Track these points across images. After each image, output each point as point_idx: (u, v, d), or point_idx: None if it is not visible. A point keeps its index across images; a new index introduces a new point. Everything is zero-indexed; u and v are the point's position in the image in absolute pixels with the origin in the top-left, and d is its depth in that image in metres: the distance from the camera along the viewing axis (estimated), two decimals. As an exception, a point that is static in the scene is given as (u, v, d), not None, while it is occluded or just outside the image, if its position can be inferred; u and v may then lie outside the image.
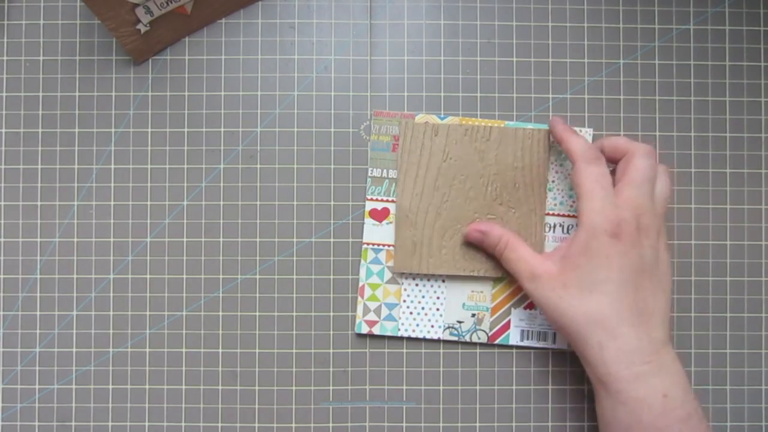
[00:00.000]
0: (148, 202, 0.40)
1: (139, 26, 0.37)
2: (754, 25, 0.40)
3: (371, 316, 0.39)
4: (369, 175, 0.39)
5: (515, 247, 0.36)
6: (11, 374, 0.39)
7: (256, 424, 0.39)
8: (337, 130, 0.40)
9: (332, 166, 0.40)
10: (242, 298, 0.39)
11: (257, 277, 0.39)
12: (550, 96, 0.40)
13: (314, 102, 0.40)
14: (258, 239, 0.39)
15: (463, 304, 0.39)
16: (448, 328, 0.39)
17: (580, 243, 0.33)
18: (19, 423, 0.39)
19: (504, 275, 0.38)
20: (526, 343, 0.39)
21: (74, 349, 0.39)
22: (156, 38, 0.39)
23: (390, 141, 0.39)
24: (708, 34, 0.40)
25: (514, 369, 0.39)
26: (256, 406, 0.39)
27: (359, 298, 0.39)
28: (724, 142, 0.40)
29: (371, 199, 0.39)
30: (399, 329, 0.39)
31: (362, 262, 0.39)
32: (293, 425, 0.39)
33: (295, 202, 0.40)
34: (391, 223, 0.39)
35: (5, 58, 0.40)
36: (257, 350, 0.39)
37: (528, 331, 0.39)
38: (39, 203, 0.40)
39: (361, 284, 0.39)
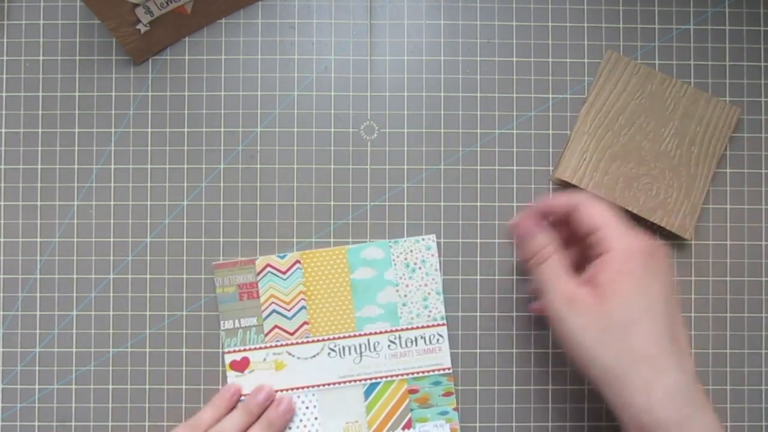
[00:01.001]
0: (148, 202, 0.40)
1: (139, 26, 0.37)
2: (754, 25, 0.40)
3: None
4: (222, 328, 0.38)
5: (555, 263, 0.32)
6: (11, 374, 0.39)
7: (256, 424, 0.39)
8: (337, 130, 0.40)
9: (332, 166, 0.40)
10: (242, 298, 0.39)
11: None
12: (550, 96, 0.40)
13: (314, 102, 0.40)
14: (258, 239, 0.39)
15: None
16: None
17: (615, 268, 0.30)
18: (19, 423, 0.39)
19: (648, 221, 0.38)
20: None
21: (74, 349, 0.39)
22: (156, 38, 0.39)
23: (236, 291, 0.38)
24: (708, 34, 0.40)
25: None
26: (256, 406, 0.39)
27: None
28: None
29: (229, 352, 0.38)
30: None
31: None
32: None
33: (295, 202, 0.40)
34: (253, 371, 0.38)
35: (5, 58, 0.40)
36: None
37: None
38: (39, 203, 0.40)
39: None
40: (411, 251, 0.39)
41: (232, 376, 0.38)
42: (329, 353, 0.38)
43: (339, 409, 0.38)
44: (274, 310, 0.38)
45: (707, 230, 0.40)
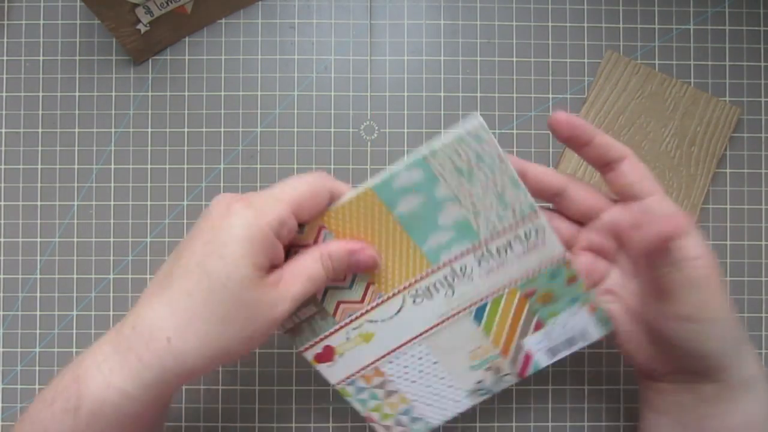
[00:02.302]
0: (148, 202, 0.40)
1: (139, 26, 0.37)
2: (754, 25, 0.41)
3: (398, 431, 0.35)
4: (282, 331, 0.33)
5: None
6: (11, 374, 0.39)
7: (257, 424, 0.39)
8: (337, 130, 0.40)
9: (332, 166, 0.40)
10: (242, 298, 0.39)
11: (257, 277, 0.39)
12: (550, 96, 0.40)
13: (314, 102, 0.40)
14: (258, 239, 0.39)
15: (471, 367, 0.33)
16: (473, 393, 0.34)
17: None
18: (19, 423, 0.39)
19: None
20: (559, 357, 0.33)
21: (74, 349, 0.39)
22: (156, 38, 0.39)
23: None
24: (708, 34, 0.40)
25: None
26: (256, 406, 0.39)
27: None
28: (724, 142, 0.40)
29: (306, 348, 0.33)
30: (429, 422, 0.34)
31: (349, 399, 0.34)
32: (293, 425, 0.39)
33: (295, 202, 0.40)
34: (343, 354, 0.33)
35: (5, 58, 0.40)
36: (257, 350, 0.39)
37: (552, 347, 0.33)
38: (39, 203, 0.40)
39: (365, 415, 0.34)
40: (458, 154, 0.29)
41: (323, 368, 0.33)
42: (414, 300, 0.32)
43: (455, 345, 0.33)
44: (327, 288, 0.32)
45: (707, 230, 0.40)
